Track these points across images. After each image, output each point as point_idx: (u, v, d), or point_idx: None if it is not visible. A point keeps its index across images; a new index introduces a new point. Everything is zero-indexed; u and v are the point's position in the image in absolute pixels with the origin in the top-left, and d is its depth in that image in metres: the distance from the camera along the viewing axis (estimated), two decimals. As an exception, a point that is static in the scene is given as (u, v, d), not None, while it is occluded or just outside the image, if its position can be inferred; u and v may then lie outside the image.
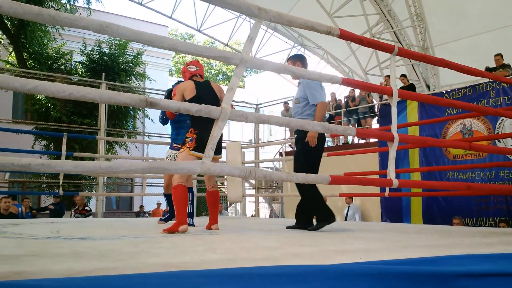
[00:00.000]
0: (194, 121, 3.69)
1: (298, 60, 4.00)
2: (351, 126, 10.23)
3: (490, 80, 7.76)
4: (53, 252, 2.10)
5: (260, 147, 10.90)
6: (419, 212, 8.52)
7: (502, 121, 7.14)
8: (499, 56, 8.34)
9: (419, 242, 2.77)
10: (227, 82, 32.54)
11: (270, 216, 17.77)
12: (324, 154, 7.90)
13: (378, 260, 1.84)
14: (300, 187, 3.80)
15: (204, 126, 3.48)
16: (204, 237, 3.07)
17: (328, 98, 12.23)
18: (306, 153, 3.78)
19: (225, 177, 8.25)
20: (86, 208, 8.94)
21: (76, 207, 10.09)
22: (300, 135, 3.81)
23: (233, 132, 22.01)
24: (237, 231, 3.71)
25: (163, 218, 4.92)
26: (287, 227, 4.06)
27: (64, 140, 6.38)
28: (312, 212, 3.95)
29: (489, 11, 10.07)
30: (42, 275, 1.46)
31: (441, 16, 10.34)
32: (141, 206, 15.65)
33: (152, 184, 12.88)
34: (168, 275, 1.42)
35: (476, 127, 7.65)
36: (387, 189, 5.95)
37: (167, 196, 4.67)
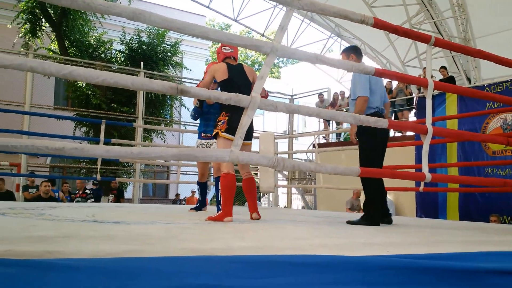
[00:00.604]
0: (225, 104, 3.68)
1: (352, 52, 3.87)
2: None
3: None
4: (86, 235, 2.17)
5: (294, 138, 10.87)
6: (455, 208, 8.31)
7: (546, 116, 6.85)
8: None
9: (452, 238, 2.71)
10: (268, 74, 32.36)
11: (303, 207, 17.74)
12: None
13: (406, 254, 1.81)
14: (363, 180, 3.76)
15: (235, 108, 3.31)
16: (234, 225, 3.10)
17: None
18: (361, 150, 3.78)
19: (258, 167, 8.28)
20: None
21: (111, 193, 10.41)
22: (358, 132, 3.78)
23: (267, 122, 22.02)
24: (268, 221, 3.72)
25: (193, 207, 4.96)
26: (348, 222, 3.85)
27: (102, 127, 6.55)
28: (365, 207, 3.87)
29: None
30: (71, 255, 1.52)
31: (484, 7, 9.93)
32: (177, 194, 15.91)
33: (187, 173, 13.09)
34: (196, 259, 1.45)
35: (518, 122, 7.37)
36: (422, 183, 5.83)
37: (201, 185, 4.71)
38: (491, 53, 2.75)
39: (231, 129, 3.50)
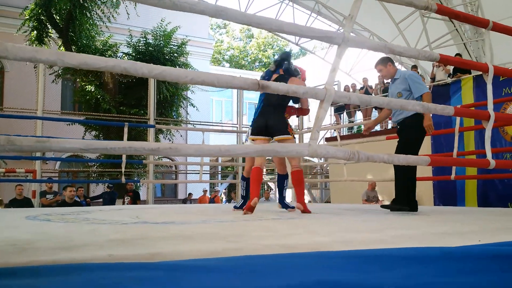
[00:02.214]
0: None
1: (388, 60, 4.19)
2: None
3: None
4: (162, 236, 2.14)
5: (303, 134, 10.90)
6: (474, 195, 8.29)
7: None
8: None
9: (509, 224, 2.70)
10: (263, 69, 32.40)
11: (309, 201, 17.74)
12: (383, 137, 7.81)
13: (499, 241, 1.79)
14: (398, 168, 4.06)
15: (257, 114, 4.29)
16: (287, 220, 3.07)
17: (375, 80, 12.04)
18: (412, 143, 4.05)
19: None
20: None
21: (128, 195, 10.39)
22: (403, 126, 4.11)
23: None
24: (311, 215, 3.70)
25: (237, 205, 4.84)
26: (382, 206, 4.43)
27: (126, 130, 6.54)
28: (401, 193, 4.11)
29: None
30: (179, 256, 1.49)
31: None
32: (190, 194, 15.88)
33: (195, 172, 13.08)
34: (309, 256, 1.42)
35: (535, 107, 7.36)
36: (454, 171, 5.82)
37: (246, 180, 4.68)
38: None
39: (253, 131, 4.27)
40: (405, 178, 4.08)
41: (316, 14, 15.22)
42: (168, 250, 1.64)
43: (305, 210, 3.99)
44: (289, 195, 12.69)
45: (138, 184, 12.27)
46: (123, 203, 10.35)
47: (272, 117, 4.20)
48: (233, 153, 1.74)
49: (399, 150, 4.00)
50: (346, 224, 2.80)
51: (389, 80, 4.72)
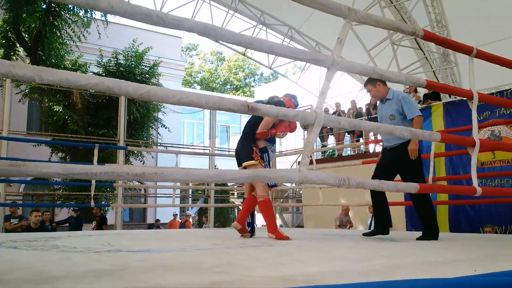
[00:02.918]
0: None
1: (378, 80, 4.01)
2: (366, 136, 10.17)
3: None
4: (142, 266, 1.99)
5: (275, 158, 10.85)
6: (445, 220, 8.35)
7: (533, 126, 7.03)
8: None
9: (500, 251, 2.67)
10: (234, 92, 32.48)
11: (281, 226, 17.62)
12: (359, 161, 7.82)
13: (494, 271, 1.73)
14: (416, 197, 3.95)
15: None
16: (271, 248, 2.96)
17: (348, 105, 12.17)
18: (419, 167, 4.01)
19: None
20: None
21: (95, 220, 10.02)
22: (401, 151, 3.96)
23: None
24: (299, 241, 3.60)
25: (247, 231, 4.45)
26: (363, 234, 4.38)
27: (96, 151, 6.32)
28: (427, 221, 4.00)
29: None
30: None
31: (464, 21, 10.25)
32: (157, 220, 15.45)
33: (165, 195, 12.78)
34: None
35: (505, 133, 7.53)
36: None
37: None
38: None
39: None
40: (430, 205, 3.98)
41: (233, 11, 15.32)
42: (152, 284, 1.51)
43: (281, 238, 3.91)
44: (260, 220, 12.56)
45: (106, 208, 11.90)
46: (91, 229, 9.98)
47: (240, 145, 4.35)
48: (222, 179, 1.64)
49: (411, 177, 3.83)
50: (331, 251, 2.71)
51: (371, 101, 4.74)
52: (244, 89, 33.67)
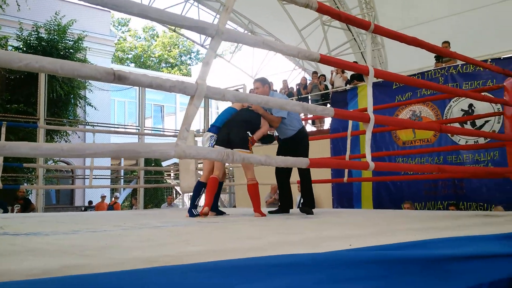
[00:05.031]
0: None
1: (267, 83, 4.54)
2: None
3: (437, 67, 7.97)
4: (5, 250, 1.82)
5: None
6: (369, 197, 8.61)
7: (450, 107, 7.33)
8: (446, 43, 8.55)
9: (396, 226, 2.71)
10: (169, 70, 31.63)
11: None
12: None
13: (370, 245, 1.72)
14: (304, 174, 4.56)
15: (226, 124, 4.42)
16: (171, 229, 2.85)
17: (280, 85, 12.18)
18: (303, 149, 4.61)
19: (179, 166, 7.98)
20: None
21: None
22: (295, 140, 4.59)
23: (180, 122, 21.56)
24: (199, 222, 3.51)
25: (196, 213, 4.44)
26: (269, 212, 4.65)
27: (3, 130, 5.85)
28: (309, 196, 4.58)
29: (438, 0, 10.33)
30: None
31: (391, 4, 10.51)
32: (90, 201, 14.90)
33: (97, 177, 12.28)
34: (156, 271, 1.22)
35: (425, 113, 7.81)
36: (346, 174, 5.96)
37: (204, 186, 4.57)
38: (424, 41, 2.80)
39: (219, 141, 4.32)
40: (310, 183, 4.61)
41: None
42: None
43: (262, 215, 4.19)
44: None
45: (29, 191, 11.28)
46: (14, 211, 9.40)
47: (236, 130, 4.34)
48: (79, 153, 1.49)
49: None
50: (238, 230, 2.64)
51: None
52: (181, 67, 32.90)
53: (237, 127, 4.37)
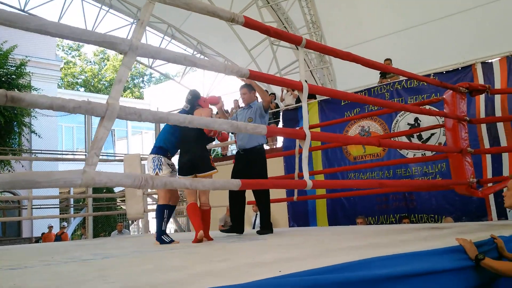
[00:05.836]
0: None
1: (253, 89, 4.54)
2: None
3: (383, 83, 8.10)
4: None
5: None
6: (324, 214, 8.56)
7: (397, 121, 7.43)
8: (388, 61, 8.75)
9: (338, 244, 2.60)
10: (122, 92, 30.93)
11: (175, 230, 17.12)
12: (230, 162, 7.70)
13: (301, 270, 1.59)
14: (260, 195, 4.47)
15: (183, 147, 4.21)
16: (98, 262, 2.63)
17: (231, 105, 12.08)
18: (263, 170, 4.51)
19: (125, 192, 7.66)
20: None
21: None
22: (253, 154, 4.44)
23: (132, 146, 21.03)
24: (135, 252, 3.29)
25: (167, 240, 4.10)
26: (221, 231, 4.72)
27: None
28: (267, 218, 4.53)
29: (382, 18, 10.61)
30: None
31: (336, 23, 10.70)
32: (43, 233, 14.11)
33: (44, 206, 11.70)
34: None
35: (373, 129, 7.88)
36: (296, 192, 5.88)
37: (168, 209, 4.20)
38: (358, 56, 2.76)
39: (183, 170, 4.06)
40: (268, 203, 4.54)
41: (170, 37, 14.92)
42: None
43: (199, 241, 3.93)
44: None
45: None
46: None
47: (198, 152, 4.09)
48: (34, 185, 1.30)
49: (261, 176, 4.34)
50: (160, 261, 2.46)
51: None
52: (133, 89, 32.33)
53: (196, 147, 4.10)
